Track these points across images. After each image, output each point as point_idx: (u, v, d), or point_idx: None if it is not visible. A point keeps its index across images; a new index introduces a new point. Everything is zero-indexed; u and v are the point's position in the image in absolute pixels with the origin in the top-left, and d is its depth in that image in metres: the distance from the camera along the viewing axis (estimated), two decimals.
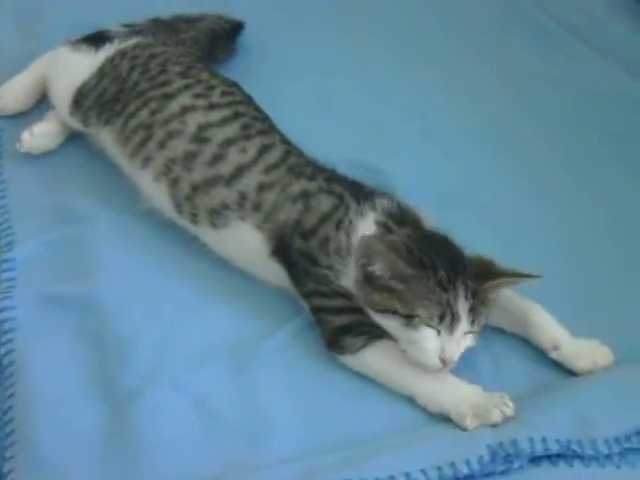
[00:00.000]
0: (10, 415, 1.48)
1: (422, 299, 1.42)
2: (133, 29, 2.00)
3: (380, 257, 1.44)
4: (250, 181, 1.61)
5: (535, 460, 1.33)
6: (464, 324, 1.43)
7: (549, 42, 2.15)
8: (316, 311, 1.54)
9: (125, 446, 1.42)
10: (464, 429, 1.38)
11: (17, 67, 1.99)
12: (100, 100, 1.78)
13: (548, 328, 1.51)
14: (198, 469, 1.38)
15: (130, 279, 1.63)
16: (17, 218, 1.76)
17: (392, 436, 1.40)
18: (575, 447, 1.33)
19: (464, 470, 1.31)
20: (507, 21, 2.22)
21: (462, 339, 1.45)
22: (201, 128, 1.66)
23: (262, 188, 1.60)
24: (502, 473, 1.32)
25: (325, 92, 2.01)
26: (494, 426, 1.37)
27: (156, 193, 1.68)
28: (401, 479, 1.30)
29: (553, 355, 1.50)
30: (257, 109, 1.75)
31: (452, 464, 1.31)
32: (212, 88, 1.73)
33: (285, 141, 1.70)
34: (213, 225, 1.62)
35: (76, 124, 1.83)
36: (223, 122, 1.66)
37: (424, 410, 1.45)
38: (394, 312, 1.44)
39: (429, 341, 1.43)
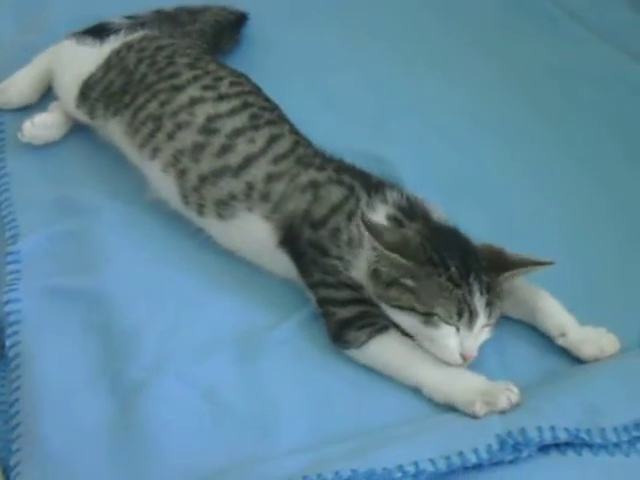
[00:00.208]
0: (16, 408, 1.48)
1: (438, 297, 1.42)
2: (135, 21, 2.00)
3: (393, 259, 1.44)
4: (258, 171, 1.60)
5: (544, 449, 1.32)
6: (482, 319, 1.43)
7: (550, 27, 2.15)
8: (322, 302, 1.54)
9: (132, 438, 1.41)
10: (473, 416, 1.38)
11: (17, 60, 1.99)
12: (107, 92, 1.78)
13: (555, 315, 1.51)
14: (205, 460, 1.38)
15: (136, 271, 1.63)
16: (21, 211, 1.76)
17: (400, 426, 1.39)
18: (584, 436, 1.32)
19: (472, 459, 1.30)
20: (508, 8, 2.21)
21: (480, 333, 1.45)
22: (210, 119, 1.66)
23: (270, 178, 1.60)
24: (511, 462, 1.31)
25: (328, 83, 2.01)
26: (502, 413, 1.37)
27: (164, 184, 1.68)
28: (409, 468, 1.29)
29: (560, 342, 1.50)
30: (266, 99, 1.75)
31: (460, 453, 1.31)
32: (220, 79, 1.73)
33: (294, 131, 1.70)
34: (220, 216, 1.61)
35: (82, 116, 1.83)
36: (232, 113, 1.66)
37: (431, 400, 1.44)
38: (412, 309, 1.44)
39: (449, 339, 1.43)
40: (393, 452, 1.32)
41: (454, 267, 1.43)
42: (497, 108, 1.96)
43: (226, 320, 1.57)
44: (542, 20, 2.17)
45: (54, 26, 2.06)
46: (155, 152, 1.68)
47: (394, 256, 1.43)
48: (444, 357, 1.44)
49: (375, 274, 1.47)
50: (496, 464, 1.31)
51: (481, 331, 1.45)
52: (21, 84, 1.96)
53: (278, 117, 1.71)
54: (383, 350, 1.48)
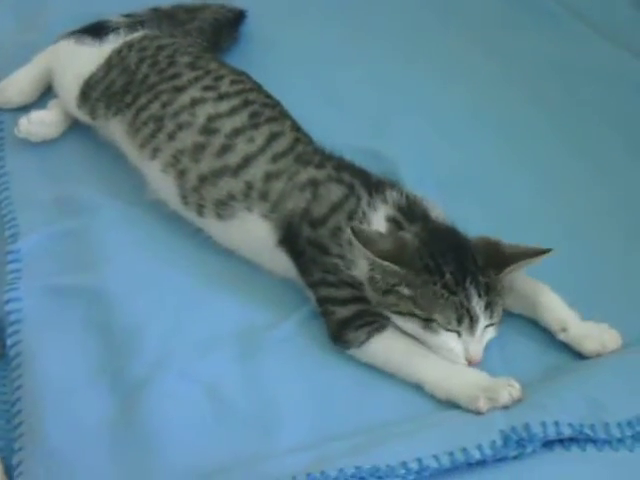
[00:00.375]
0: (18, 407, 1.48)
1: (435, 304, 1.42)
2: (133, 19, 2.01)
3: (386, 267, 1.43)
4: (257, 170, 1.60)
5: (548, 444, 1.32)
6: (483, 321, 1.43)
7: (551, 25, 2.15)
8: (322, 301, 1.53)
9: (134, 435, 1.41)
10: (477, 412, 1.37)
11: (17, 58, 1.99)
12: (108, 92, 1.78)
13: (556, 309, 1.50)
14: (207, 457, 1.38)
15: (136, 269, 1.63)
16: (21, 210, 1.76)
17: (403, 422, 1.39)
18: (588, 431, 1.32)
19: (476, 455, 1.30)
20: (509, 4, 2.21)
21: (484, 335, 1.44)
22: (210, 119, 1.65)
23: (269, 177, 1.59)
24: (515, 458, 1.31)
25: (327, 81, 2.01)
26: (505, 409, 1.36)
27: (163, 184, 1.67)
28: (413, 465, 1.29)
29: (561, 337, 1.49)
30: (267, 96, 1.75)
31: (464, 449, 1.30)
32: (221, 78, 1.73)
33: (295, 128, 1.69)
34: (219, 216, 1.61)
35: (84, 116, 1.83)
36: (232, 112, 1.66)
37: (433, 397, 1.44)
38: (412, 314, 1.44)
39: (451, 344, 1.43)
40: (396, 449, 1.32)
41: (449, 273, 1.42)
42: (498, 105, 1.95)
43: (227, 318, 1.57)
44: (543, 17, 2.16)
45: (54, 25, 2.06)
46: (155, 152, 1.67)
47: (387, 264, 1.43)
48: (449, 359, 1.44)
49: (371, 281, 1.47)
50: (500, 460, 1.31)
51: (485, 332, 1.45)
52: (20, 83, 1.96)
53: (279, 114, 1.71)
54: (383, 349, 1.47)
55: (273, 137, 1.64)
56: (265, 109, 1.69)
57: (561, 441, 1.33)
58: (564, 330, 1.49)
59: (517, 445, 1.31)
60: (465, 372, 1.43)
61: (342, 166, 1.63)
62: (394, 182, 1.62)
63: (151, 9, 2.05)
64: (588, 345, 1.47)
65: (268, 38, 2.10)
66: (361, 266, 1.50)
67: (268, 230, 1.58)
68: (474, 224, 1.55)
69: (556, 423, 1.32)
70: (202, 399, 1.45)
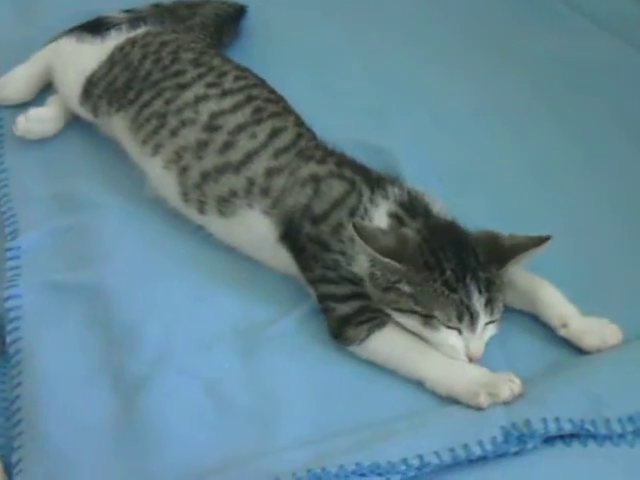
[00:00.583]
0: (17, 404, 1.48)
1: (435, 302, 1.41)
2: (134, 15, 2.01)
3: (387, 263, 1.43)
4: (258, 166, 1.60)
5: (549, 440, 1.32)
6: (483, 318, 1.42)
7: (552, 18, 2.14)
8: (322, 298, 1.53)
9: (134, 432, 1.41)
10: (478, 408, 1.37)
11: (16, 55, 1.98)
12: (110, 88, 1.78)
13: (556, 305, 1.50)
14: (208, 454, 1.38)
15: (136, 265, 1.63)
16: (20, 206, 1.76)
17: (404, 419, 1.39)
18: (589, 427, 1.32)
19: (477, 451, 1.30)
20: None
21: (484, 332, 1.44)
22: (213, 116, 1.65)
23: (270, 173, 1.59)
24: (515, 454, 1.31)
25: (329, 75, 2.00)
26: (506, 405, 1.36)
27: (164, 181, 1.67)
28: (414, 462, 1.29)
29: (562, 332, 1.48)
30: (271, 91, 1.75)
31: (465, 446, 1.30)
32: (224, 74, 1.73)
33: (299, 123, 1.69)
34: (221, 213, 1.61)
35: (86, 114, 1.83)
36: (235, 108, 1.66)
37: (434, 393, 1.43)
38: (412, 311, 1.43)
39: (451, 341, 1.43)
40: (397, 445, 1.31)
41: (450, 270, 1.42)
42: (499, 99, 1.95)
43: (227, 314, 1.56)
44: (544, 11, 2.15)
45: (53, 21, 2.05)
46: (157, 148, 1.67)
47: (388, 261, 1.42)
48: (450, 356, 1.44)
49: (372, 278, 1.47)
50: (501, 456, 1.31)
51: (485, 329, 1.44)
52: (19, 81, 1.96)
53: (283, 109, 1.71)
54: (384, 346, 1.47)
55: (275, 133, 1.64)
56: (268, 104, 1.69)
57: (562, 437, 1.32)
58: (565, 326, 1.48)
59: (518, 441, 1.30)
60: (465, 368, 1.43)
61: (343, 162, 1.63)
62: (395, 178, 1.61)
63: (152, 5, 2.05)
64: (589, 340, 1.47)
65: (269, 33, 2.09)
66: (362, 262, 1.49)
67: (269, 226, 1.58)
68: (475, 218, 1.55)
69: (557, 419, 1.31)
70: (203, 395, 1.45)
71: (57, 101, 1.89)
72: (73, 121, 1.89)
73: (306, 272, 1.55)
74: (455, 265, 1.43)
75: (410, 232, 1.47)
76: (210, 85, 1.70)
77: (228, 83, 1.71)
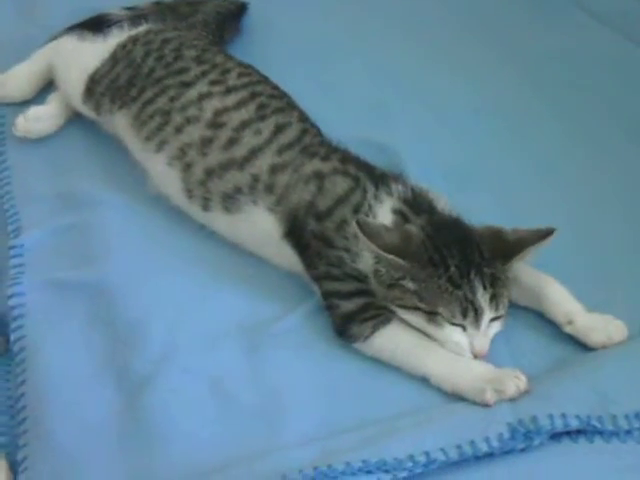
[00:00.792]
0: (22, 402, 1.47)
1: (440, 298, 1.41)
2: (135, 12, 2.01)
3: (390, 260, 1.43)
4: (263, 163, 1.60)
5: (555, 437, 1.32)
6: (488, 314, 1.42)
7: (552, 13, 2.15)
8: (326, 295, 1.53)
9: (139, 430, 1.41)
10: (484, 405, 1.36)
11: (17, 53, 1.99)
12: (113, 86, 1.78)
13: (562, 302, 1.50)
14: (213, 452, 1.37)
15: (140, 263, 1.62)
16: (23, 204, 1.75)
17: (409, 415, 1.38)
18: (595, 423, 1.32)
19: (484, 448, 1.30)
20: None
21: (489, 328, 1.44)
22: (217, 113, 1.65)
23: (275, 170, 1.59)
24: (522, 450, 1.31)
25: (330, 71, 2.01)
26: (512, 402, 1.36)
27: (167, 178, 1.67)
28: (420, 458, 1.29)
29: (567, 329, 1.49)
30: (275, 87, 1.75)
31: (472, 442, 1.30)
32: (228, 71, 1.73)
33: (303, 118, 1.69)
34: (226, 210, 1.61)
35: (89, 112, 1.83)
36: (239, 105, 1.66)
37: (440, 389, 1.43)
38: (417, 308, 1.43)
39: (456, 338, 1.43)
40: (404, 442, 1.31)
41: (454, 267, 1.42)
42: (501, 95, 1.95)
43: (232, 312, 1.56)
44: (545, 6, 2.16)
45: (53, 19, 2.06)
46: (161, 145, 1.67)
47: (392, 257, 1.42)
48: (455, 353, 1.44)
49: (376, 274, 1.47)
50: (507, 452, 1.31)
51: (490, 326, 1.44)
52: (19, 79, 1.96)
53: (287, 104, 1.71)
54: (388, 342, 1.47)
55: (279, 129, 1.63)
56: (272, 100, 1.69)
57: (568, 433, 1.32)
58: (570, 322, 1.48)
59: (525, 437, 1.30)
60: (471, 364, 1.43)
61: (347, 158, 1.62)
62: (399, 174, 1.61)
63: (153, 2, 2.06)
64: (594, 337, 1.47)
65: (270, 30, 2.09)
66: (366, 259, 1.49)
67: (273, 223, 1.58)
68: (478, 214, 1.54)
69: (563, 415, 1.31)
70: (207, 393, 1.45)
71: (57, 98, 1.89)
72: (75, 119, 1.88)
73: (310, 269, 1.55)
74: (459, 261, 1.42)
75: (414, 229, 1.47)
76: (214, 82, 1.70)
77: (232, 80, 1.71)
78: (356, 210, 1.53)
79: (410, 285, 1.43)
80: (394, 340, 1.46)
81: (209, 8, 2.03)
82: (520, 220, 1.61)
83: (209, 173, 1.62)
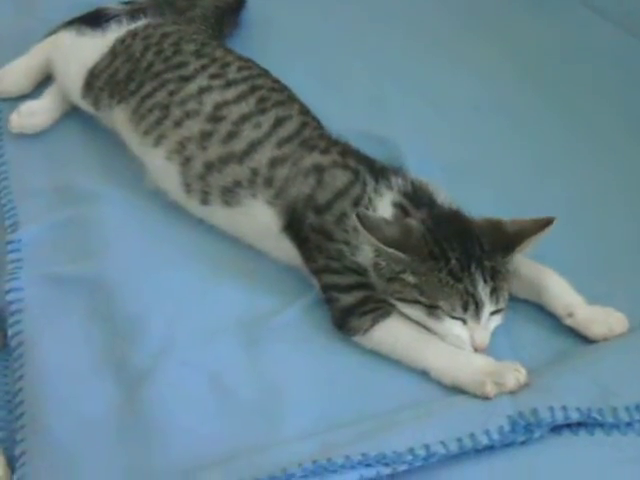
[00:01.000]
0: (20, 397, 1.47)
1: (440, 292, 1.41)
2: (133, 7, 2.00)
3: (391, 253, 1.42)
4: (262, 156, 1.59)
5: (556, 429, 1.31)
6: (489, 307, 1.42)
7: (552, 8, 2.13)
8: (326, 289, 1.52)
9: (137, 425, 1.40)
10: (484, 397, 1.36)
11: (15, 47, 1.98)
12: (112, 80, 1.77)
13: (562, 294, 1.49)
14: (212, 446, 1.36)
15: (138, 257, 1.62)
16: (20, 199, 1.75)
17: (409, 409, 1.38)
18: (596, 415, 1.31)
19: (484, 441, 1.29)
20: None
21: (489, 322, 1.43)
22: (217, 107, 1.65)
23: (274, 163, 1.58)
24: (523, 443, 1.30)
25: (329, 65, 2.00)
26: (513, 394, 1.35)
27: (166, 172, 1.66)
28: (420, 451, 1.28)
29: (568, 322, 1.48)
30: (275, 80, 1.74)
31: (472, 435, 1.29)
32: (228, 65, 1.72)
33: (304, 111, 1.69)
34: (226, 203, 1.60)
35: (88, 107, 1.83)
36: (239, 98, 1.65)
37: (440, 382, 1.42)
38: (417, 302, 1.42)
39: (456, 331, 1.42)
40: (403, 435, 1.31)
41: (455, 260, 1.41)
42: (500, 89, 1.94)
43: (231, 306, 1.55)
44: (546, 2, 2.14)
45: (52, 13, 2.05)
46: (160, 139, 1.66)
47: (392, 251, 1.42)
48: (455, 346, 1.43)
49: (376, 268, 1.46)
50: (508, 445, 1.30)
51: (490, 319, 1.43)
52: (18, 74, 1.95)
53: (287, 97, 1.70)
54: (388, 336, 1.46)
55: (279, 122, 1.63)
56: (273, 93, 1.68)
57: (569, 426, 1.31)
58: (570, 315, 1.48)
59: (525, 430, 1.30)
60: (471, 357, 1.42)
61: (347, 152, 1.62)
62: (399, 168, 1.60)
63: None
64: (595, 329, 1.46)
65: (269, 24, 2.08)
66: (366, 252, 1.48)
67: (272, 216, 1.57)
68: (478, 208, 1.53)
69: (564, 408, 1.31)
70: (206, 387, 1.44)
71: (52, 92, 1.88)
72: (73, 113, 1.88)
73: (310, 262, 1.54)
74: (460, 254, 1.42)
75: (414, 222, 1.46)
76: (213, 76, 1.69)
77: (232, 74, 1.70)
78: (356, 203, 1.52)
79: (410, 278, 1.42)
80: (394, 333, 1.46)
81: (207, 2, 2.02)
82: (521, 212, 1.59)
83: (208, 167, 1.61)
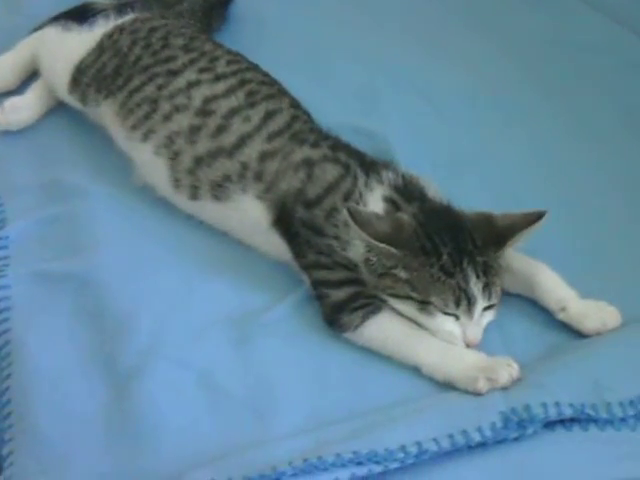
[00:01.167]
0: (8, 396, 1.46)
1: (432, 287, 1.40)
2: (120, 1, 1.99)
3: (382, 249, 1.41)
4: (252, 150, 1.58)
5: (549, 425, 1.30)
6: (481, 303, 1.41)
7: (547, 1, 2.13)
8: (316, 284, 1.51)
9: (127, 423, 1.39)
10: (477, 393, 1.35)
11: (3, 42, 1.97)
12: (99, 75, 1.76)
13: (555, 289, 1.48)
14: (202, 445, 1.36)
15: (127, 254, 1.61)
16: (7, 196, 1.74)
17: (401, 405, 1.37)
18: (589, 411, 1.30)
19: (476, 437, 1.28)
20: None
21: (482, 318, 1.42)
22: (206, 101, 1.64)
23: (264, 157, 1.57)
24: (515, 439, 1.29)
25: (320, 59, 1.99)
26: (505, 390, 1.34)
27: (154, 167, 1.65)
28: (412, 449, 1.27)
29: (560, 316, 1.47)
30: (265, 74, 1.74)
31: (464, 432, 1.28)
32: (216, 59, 1.71)
33: (294, 105, 1.68)
34: (215, 198, 1.59)
35: (75, 102, 1.81)
36: (228, 92, 1.65)
37: (432, 379, 1.41)
38: (408, 297, 1.42)
39: (448, 327, 1.41)
40: (395, 432, 1.30)
41: (446, 255, 1.40)
42: (492, 81, 1.94)
43: (220, 302, 1.54)
44: None
45: (38, 9, 2.04)
46: (148, 134, 1.65)
47: (383, 246, 1.41)
48: (447, 342, 1.42)
49: (367, 263, 1.45)
50: (500, 442, 1.29)
51: (483, 315, 1.43)
52: (3, 70, 1.94)
53: (277, 91, 1.69)
54: (379, 332, 1.45)
55: (269, 115, 1.62)
56: (262, 87, 1.68)
57: (562, 422, 1.31)
58: (563, 309, 1.47)
59: (518, 426, 1.29)
60: (463, 353, 1.41)
61: (338, 146, 1.61)
62: (389, 162, 1.60)
63: None
64: (588, 324, 1.45)
65: (258, 18, 2.07)
66: (357, 247, 1.47)
67: (262, 211, 1.56)
68: (469, 202, 1.52)
69: (557, 403, 1.30)
70: (196, 384, 1.43)
71: (36, 88, 1.87)
72: (60, 109, 1.87)
73: (299, 258, 1.53)
74: (452, 249, 1.41)
75: (406, 217, 1.45)
76: (202, 70, 1.68)
77: (220, 67, 1.69)
78: (346, 198, 1.51)
79: (402, 274, 1.41)
80: (385, 329, 1.45)
81: None
82: (513, 206, 1.59)
83: (198, 161, 1.60)
